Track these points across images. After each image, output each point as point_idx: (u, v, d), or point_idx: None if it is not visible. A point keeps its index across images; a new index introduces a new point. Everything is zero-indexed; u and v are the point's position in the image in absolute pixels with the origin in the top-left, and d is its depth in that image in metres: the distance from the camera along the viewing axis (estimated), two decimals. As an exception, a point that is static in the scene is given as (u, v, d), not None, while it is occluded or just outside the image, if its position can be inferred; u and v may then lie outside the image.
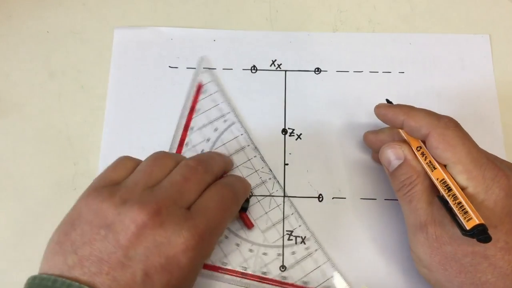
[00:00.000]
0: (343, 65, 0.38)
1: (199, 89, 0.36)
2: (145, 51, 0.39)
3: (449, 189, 0.26)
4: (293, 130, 0.37)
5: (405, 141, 0.29)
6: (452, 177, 0.26)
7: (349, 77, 0.38)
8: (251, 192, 0.34)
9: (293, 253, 0.33)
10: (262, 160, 0.35)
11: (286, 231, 0.34)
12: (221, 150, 0.36)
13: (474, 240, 0.24)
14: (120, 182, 0.27)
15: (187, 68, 0.38)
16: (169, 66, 0.38)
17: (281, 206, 0.34)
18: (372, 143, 0.33)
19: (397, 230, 0.33)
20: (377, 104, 0.31)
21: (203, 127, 0.36)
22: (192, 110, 0.36)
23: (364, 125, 0.36)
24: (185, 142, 0.36)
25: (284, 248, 0.33)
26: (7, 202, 0.35)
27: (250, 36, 0.39)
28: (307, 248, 0.33)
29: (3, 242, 0.34)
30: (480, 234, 0.24)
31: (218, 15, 0.40)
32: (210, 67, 0.38)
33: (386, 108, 0.30)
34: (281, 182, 0.35)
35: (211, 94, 0.36)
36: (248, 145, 0.36)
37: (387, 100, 0.33)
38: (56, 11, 0.40)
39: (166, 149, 0.36)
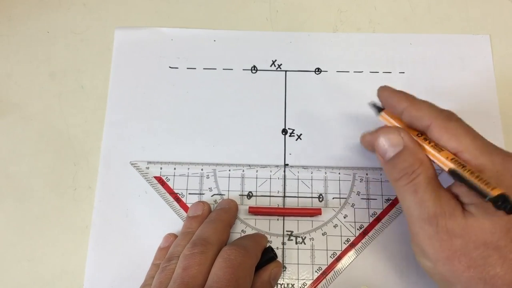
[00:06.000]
0: (343, 65, 0.38)
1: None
2: (145, 51, 0.39)
3: (463, 166, 0.25)
4: (293, 130, 0.37)
5: (401, 128, 0.28)
6: None
7: (349, 77, 0.38)
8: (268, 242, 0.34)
9: (294, 253, 0.33)
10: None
11: (287, 231, 0.34)
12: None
13: (488, 229, 0.24)
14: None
15: (187, 68, 0.38)
16: (170, 67, 0.38)
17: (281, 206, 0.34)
18: (369, 144, 0.31)
19: (398, 229, 0.33)
20: (381, 86, 0.30)
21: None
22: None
23: (364, 125, 0.36)
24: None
25: (285, 249, 0.33)
26: (7, 202, 0.35)
27: (250, 36, 0.39)
28: (307, 248, 0.33)
29: (3, 242, 0.34)
30: (505, 201, 0.22)
31: (218, 15, 0.40)
32: (210, 67, 0.38)
33: (391, 92, 0.29)
34: (281, 182, 0.35)
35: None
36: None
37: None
38: (56, 11, 0.40)
39: (165, 157, 0.36)
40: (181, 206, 0.35)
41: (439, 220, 0.25)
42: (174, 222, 0.34)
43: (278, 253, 0.33)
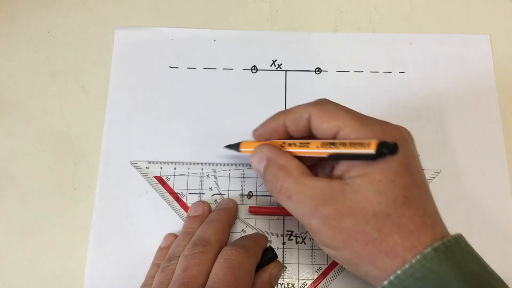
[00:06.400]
0: (343, 65, 0.38)
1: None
2: (145, 51, 0.39)
3: (334, 144, 0.25)
4: (293, 130, 0.37)
5: (266, 144, 0.29)
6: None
7: (349, 77, 0.38)
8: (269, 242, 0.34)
9: (294, 253, 0.33)
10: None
11: (287, 231, 0.34)
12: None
13: (374, 200, 0.24)
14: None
15: (188, 68, 0.38)
16: (170, 66, 0.39)
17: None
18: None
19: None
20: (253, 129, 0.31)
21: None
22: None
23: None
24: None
25: (285, 248, 0.33)
26: (7, 202, 0.35)
27: (250, 36, 0.39)
28: (307, 248, 0.33)
29: (3, 242, 0.34)
30: (384, 147, 0.23)
31: (218, 15, 0.40)
32: (210, 67, 0.38)
33: (263, 125, 0.30)
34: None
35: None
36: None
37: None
38: (56, 11, 0.40)
39: (165, 157, 0.36)
40: (181, 206, 0.35)
41: (321, 210, 0.25)
42: (174, 222, 0.34)
43: (278, 253, 0.33)
